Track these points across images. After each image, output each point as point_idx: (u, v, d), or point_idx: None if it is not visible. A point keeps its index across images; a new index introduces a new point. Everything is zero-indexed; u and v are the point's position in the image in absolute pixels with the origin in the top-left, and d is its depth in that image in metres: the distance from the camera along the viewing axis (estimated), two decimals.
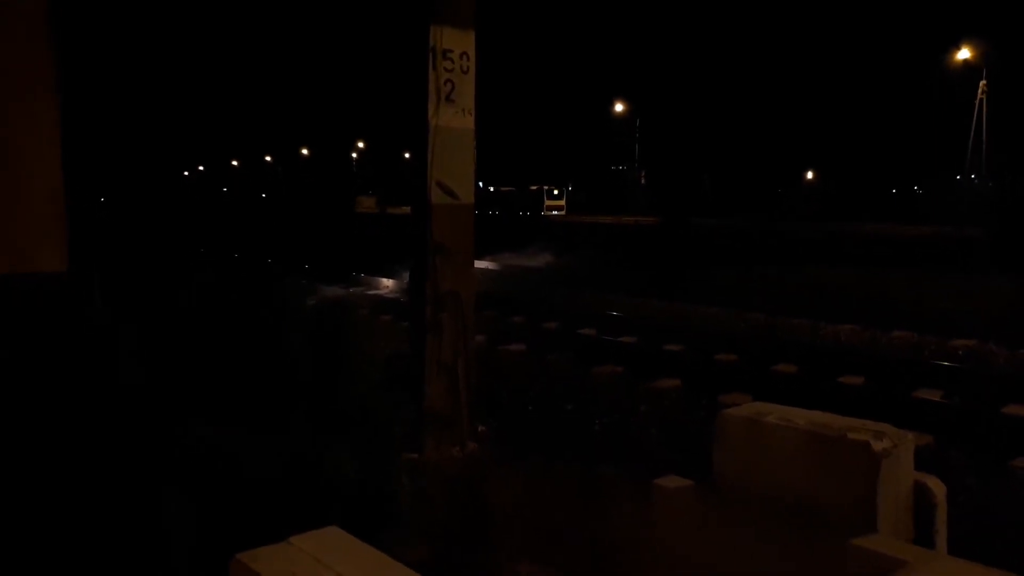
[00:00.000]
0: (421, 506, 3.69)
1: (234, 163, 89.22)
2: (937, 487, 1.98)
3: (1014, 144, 32.26)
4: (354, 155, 73.74)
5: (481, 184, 51.50)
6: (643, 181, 50.82)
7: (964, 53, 32.78)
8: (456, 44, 4.08)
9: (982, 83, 33.03)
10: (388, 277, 13.90)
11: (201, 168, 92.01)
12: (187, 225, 32.89)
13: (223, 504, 3.29)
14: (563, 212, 44.70)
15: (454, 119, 4.09)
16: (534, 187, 47.10)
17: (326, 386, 5.53)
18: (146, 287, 11.77)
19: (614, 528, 2.72)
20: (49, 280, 3.79)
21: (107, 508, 3.12)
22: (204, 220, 36.33)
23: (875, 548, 1.62)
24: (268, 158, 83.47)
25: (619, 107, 48.85)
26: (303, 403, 5.02)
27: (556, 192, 47.16)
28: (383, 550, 3.15)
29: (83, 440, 3.30)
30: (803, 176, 51.43)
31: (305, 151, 77.48)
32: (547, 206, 45.32)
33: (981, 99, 33.31)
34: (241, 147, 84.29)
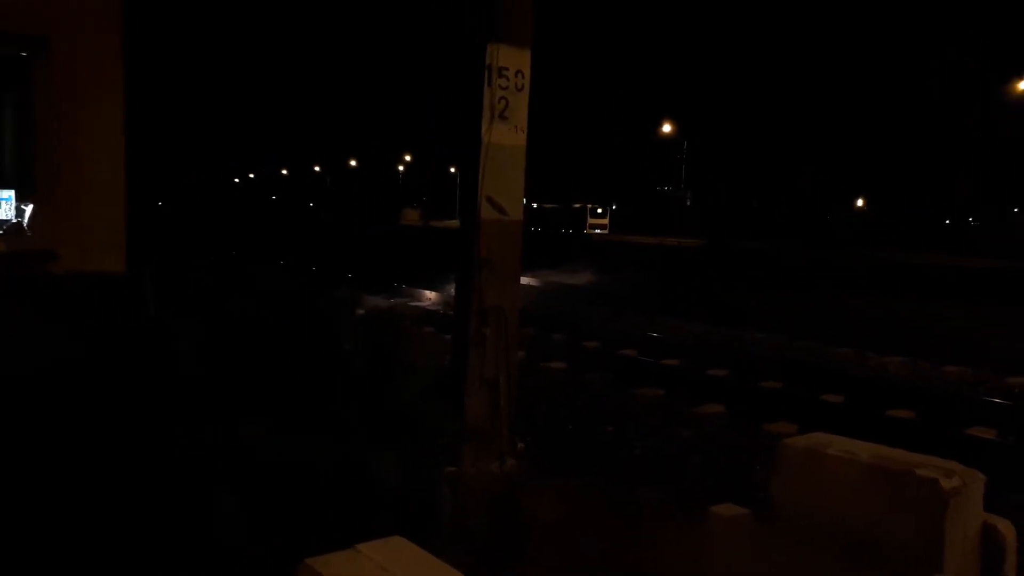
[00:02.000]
0: (459, 518, 3.68)
1: (284, 172, 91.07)
2: (1007, 530, 1.91)
3: None
4: (400, 168, 74.67)
5: (525, 200, 51.56)
6: (689, 203, 50.44)
7: None
8: (512, 62, 4.11)
9: None
10: (430, 289, 13.98)
11: (252, 176, 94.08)
12: (237, 231, 33.57)
13: (272, 505, 3.32)
14: (606, 231, 44.55)
15: (506, 136, 4.11)
16: (577, 205, 47.03)
17: (369, 396, 5.57)
18: (199, 291, 12.02)
19: (659, 552, 2.68)
20: (109, 280, 3.90)
21: (165, 506, 3.18)
22: (253, 227, 37.05)
23: None
24: (317, 168, 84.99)
25: (667, 128, 48.64)
26: (347, 411, 5.05)
27: (599, 211, 47.05)
28: None
29: (139, 437, 3.37)
30: (854, 203, 50.50)
31: (353, 162, 78.75)
32: (590, 224, 45.21)
33: None
34: (291, 156, 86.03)
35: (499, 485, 3.99)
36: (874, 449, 2.10)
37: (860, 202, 50.77)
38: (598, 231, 44.05)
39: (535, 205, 50.79)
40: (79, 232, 4.46)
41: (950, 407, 6.48)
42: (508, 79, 4.10)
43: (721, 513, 2.20)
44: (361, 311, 11.43)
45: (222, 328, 7.85)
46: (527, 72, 4.16)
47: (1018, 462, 5.09)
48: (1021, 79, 30.71)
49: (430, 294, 13.83)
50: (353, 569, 1.53)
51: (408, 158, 71.40)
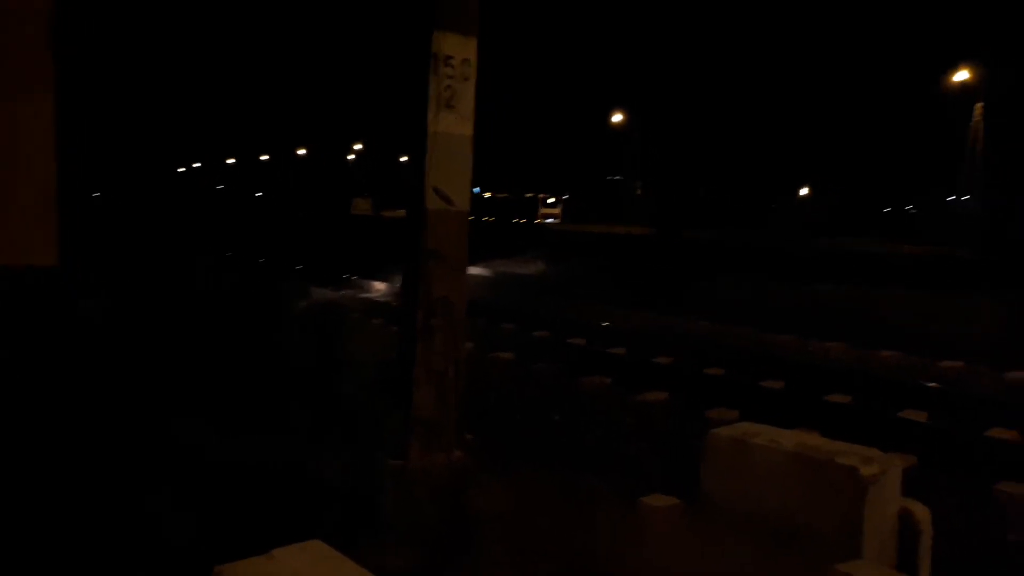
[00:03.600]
0: (406, 513, 3.68)
1: (230, 161, 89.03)
2: (922, 514, 1.99)
3: (1006, 167, 32.54)
4: (351, 157, 73.68)
5: (477, 190, 51.50)
6: (639, 192, 50.96)
7: (962, 75, 33.04)
8: (458, 51, 4.09)
9: (978, 105, 33.29)
10: (381, 280, 13.88)
11: (197, 165, 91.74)
12: (180, 221, 32.75)
13: (206, 508, 3.27)
14: (558, 220, 44.74)
15: (453, 125, 4.09)
16: (529, 194, 47.11)
17: (315, 389, 5.52)
18: (136, 283, 11.72)
19: (599, 542, 2.72)
20: (39, 274, 3.77)
21: (88, 509, 3.10)
22: (197, 217, 36.19)
23: (860, 575, 1.61)
24: (264, 157, 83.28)
25: (617, 117, 49.02)
26: (291, 406, 5.00)
27: (551, 200, 47.20)
28: (366, 556, 3.14)
29: (65, 438, 3.27)
30: (797, 192, 51.70)
31: (302, 151, 77.38)
32: (542, 214, 45.33)
33: (977, 121, 33.57)
34: (237, 145, 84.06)
35: (446, 477, 3.99)
36: (799, 438, 2.16)
37: (804, 191, 52.02)
38: (550, 220, 44.19)
39: (487, 194, 50.69)
40: (7, 225, 4.30)
41: (885, 391, 6.71)
42: (454, 68, 4.08)
43: (651, 504, 2.25)
44: (309, 303, 11.32)
45: (161, 323, 7.68)
46: (473, 61, 4.14)
47: (946, 443, 5.30)
48: (955, 71, 31.77)
49: (380, 285, 13.73)
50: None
51: (359, 147, 70.53)
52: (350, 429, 4.49)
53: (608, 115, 48.76)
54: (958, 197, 36.50)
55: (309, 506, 3.50)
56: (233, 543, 1.70)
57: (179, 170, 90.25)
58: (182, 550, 2.86)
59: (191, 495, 3.36)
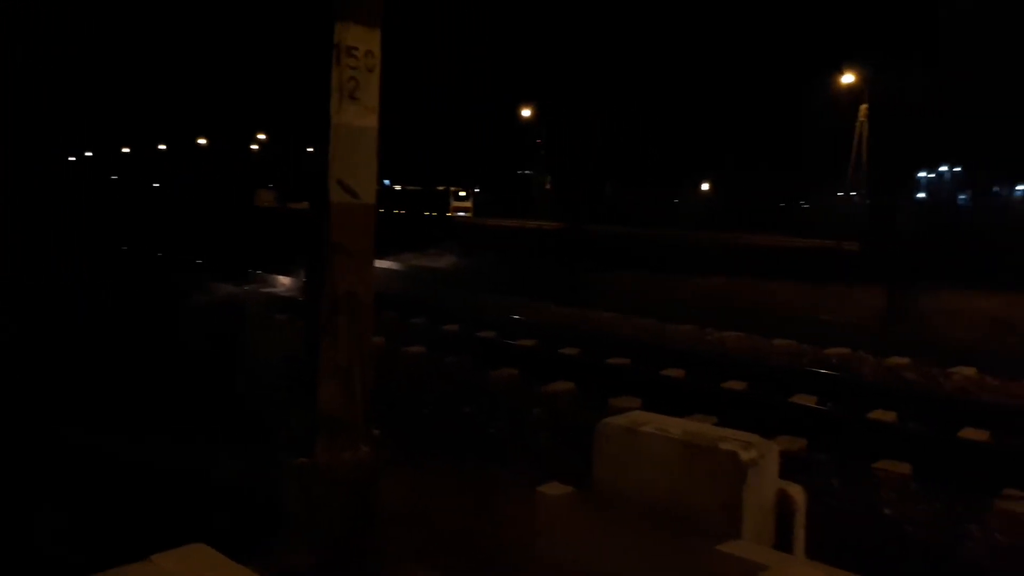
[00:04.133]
0: (311, 511, 3.64)
1: (124, 150, 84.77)
2: (798, 494, 2.13)
3: (888, 164, 34.68)
4: (254, 147, 71.39)
5: (387, 182, 50.85)
6: (549, 187, 51.54)
7: (848, 78, 34.98)
8: (361, 42, 4.05)
9: (863, 106, 35.32)
10: (285, 275, 13.55)
11: (89, 154, 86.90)
12: (72, 214, 30.95)
13: (95, 514, 3.14)
14: (470, 214, 44.72)
15: (357, 117, 4.05)
16: (441, 187, 46.90)
17: (217, 389, 5.36)
18: (25, 280, 11.03)
19: (500, 532, 2.77)
20: None
21: None
22: (89, 209, 34.28)
23: (738, 553, 1.72)
24: (162, 147, 79.72)
25: (526, 112, 49.40)
26: (192, 407, 4.84)
27: (463, 194, 47.12)
28: (271, 557, 3.09)
29: None
30: (699, 187, 53.50)
31: (202, 141, 74.44)
32: (454, 207, 45.19)
33: (862, 121, 35.61)
34: (133, 134, 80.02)
35: (353, 474, 3.97)
36: (686, 425, 2.28)
37: (706, 186, 53.89)
38: (462, 214, 44.13)
39: (397, 187, 50.13)
40: None
41: (778, 377, 7.07)
42: (358, 59, 4.03)
43: (546, 492, 2.31)
44: (211, 299, 10.94)
45: (47, 322, 7.27)
46: (377, 52, 4.10)
47: (831, 426, 5.64)
48: (842, 74, 33.58)
49: (285, 280, 13.40)
50: None
51: (262, 137, 68.43)
52: (254, 428, 4.39)
53: (518, 109, 49.10)
54: (847, 193, 38.66)
55: (209, 509, 3.42)
56: (122, 551, 1.65)
57: (69, 159, 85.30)
58: (59, 560, 2.74)
59: (78, 502, 3.21)
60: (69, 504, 3.16)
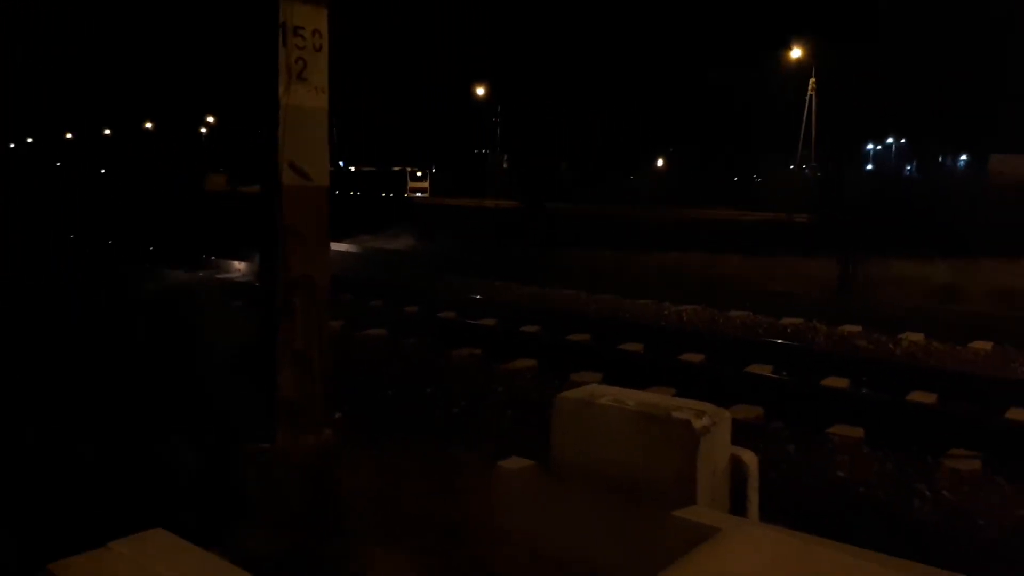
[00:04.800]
0: (273, 497, 3.62)
1: (68, 136, 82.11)
2: (750, 460, 2.19)
3: (835, 137, 35.39)
4: (203, 130, 69.74)
5: (342, 164, 50.17)
6: (505, 165, 51.41)
7: (796, 52, 35.49)
8: (308, 21, 3.98)
9: (812, 80, 35.90)
10: (240, 260, 13.32)
11: (30, 140, 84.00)
12: (13, 201, 29.93)
13: (50, 509, 3.07)
14: (427, 194, 44.41)
15: (306, 98, 3.99)
16: (397, 168, 46.45)
17: (172, 378, 5.27)
18: None
19: (462, 509, 2.80)
20: None
21: None
22: (35, 197, 33.19)
23: (692, 518, 1.76)
24: (107, 131, 77.40)
25: (481, 91, 49.11)
26: (146, 396, 4.75)
27: (420, 174, 46.76)
28: (233, 544, 3.07)
29: None
30: (654, 164, 53.88)
31: (149, 125, 72.47)
32: (411, 188, 44.84)
33: (811, 95, 36.22)
34: (76, 119, 77.54)
35: (315, 458, 3.95)
36: (641, 396, 2.31)
37: (660, 163, 54.30)
38: (419, 194, 43.81)
39: (352, 168, 49.54)
40: None
41: (734, 349, 7.20)
42: (305, 39, 3.96)
43: (505, 466, 2.34)
44: (162, 287, 10.71)
45: None
46: (325, 31, 4.03)
47: (786, 394, 5.78)
48: (791, 48, 34.02)
49: (239, 265, 13.18)
50: (102, 570, 1.45)
51: (211, 120, 66.87)
52: (212, 415, 4.33)
53: (472, 88, 48.77)
54: (798, 167, 39.34)
55: (168, 497, 3.37)
56: (79, 542, 1.62)
57: (9, 146, 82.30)
58: (15, 549, 2.69)
59: (32, 493, 3.15)
60: (17, 497, 3.09)
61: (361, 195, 39.48)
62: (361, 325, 8.12)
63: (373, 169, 47.71)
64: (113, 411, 4.41)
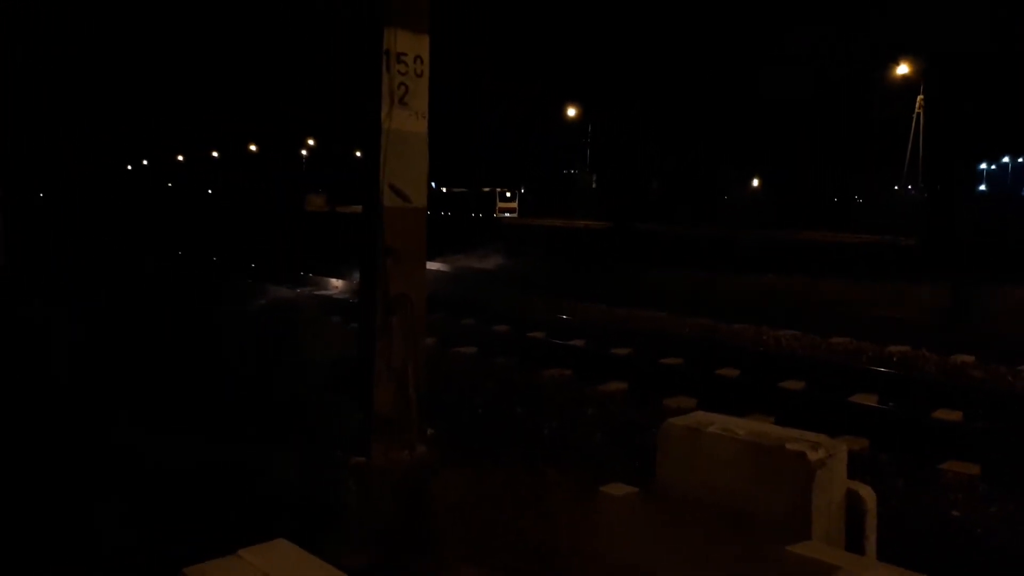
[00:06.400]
0: (368, 511, 3.68)
1: (179, 158, 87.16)
2: (868, 495, 2.07)
3: (945, 157, 33.61)
4: (304, 152, 72.69)
5: (433, 184, 51.22)
6: (595, 185, 51.32)
7: (903, 68, 34.04)
8: (410, 47, 4.09)
9: (919, 98, 34.33)
10: (337, 277, 13.75)
11: (145, 163, 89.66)
12: (131, 220, 31.98)
13: (162, 514, 3.22)
14: (515, 214, 44.79)
15: (407, 122, 4.09)
16: (486, 188, 47.08)
17: (272, 390, 5.46)
18: (87, 285, 11.42)
19: (558, 533, 2.76)
20: None
21: (39, 516, 3.03)
22: (149, 216, 35.37)
23: (809, 554, 1.68)
24: (214, 154, 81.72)
25: (572, 111, 49.27)
26: (248, 407, 4.94)
27: (508, 194, 47.24)
28: (329, 557, 3.13)
29: (17, 442, 3.20)
30: (748, 184, 52.57)
31: (253, 147, 76.09)
32: (500, 208, 45.33)
33: (918, 113, 34.62)
34: (186, 142, 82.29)
35: (409, 474, 4.00)
36: (751, 426, 2.23)
37: (756, 183, 52.94)
38: (508, 215, 44.24)
39: (444, 189, 50.51)
40: None
41: (837, 376, 6.89)
42: (407, 65, 4.07)
43: (610, 493, 2.30)
44: (264, 302, 11.16)
45: (111, 325, 7.50)
46: (426, 57, 4.14)
47: (894, 426, 5.48)
48: (897, 65, 32.68)
49: (336, 282, 13.60)
50: None
51: (311, 142, 69.67)
52: (310, 428, 4.46)
53: (563, 109, 48.99)
54: (903, 187, 37.60)
55: (268, 506, 3.48)
56: (195, 545, 1.69)
57: (127, 168, 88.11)
58: (142, 554, 2.82)
59: (144, 502, 3.31)
60: (135, 506, 3.25)
61: (452, 216, 40.18)
62: (453, 343, 8.22)
63: (463, 190, 48.51)
64: (222, 419, 4.60)
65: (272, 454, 4.14)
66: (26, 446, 3.52)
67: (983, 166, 51.07)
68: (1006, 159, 52.85)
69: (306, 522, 3.38)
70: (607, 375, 6.88)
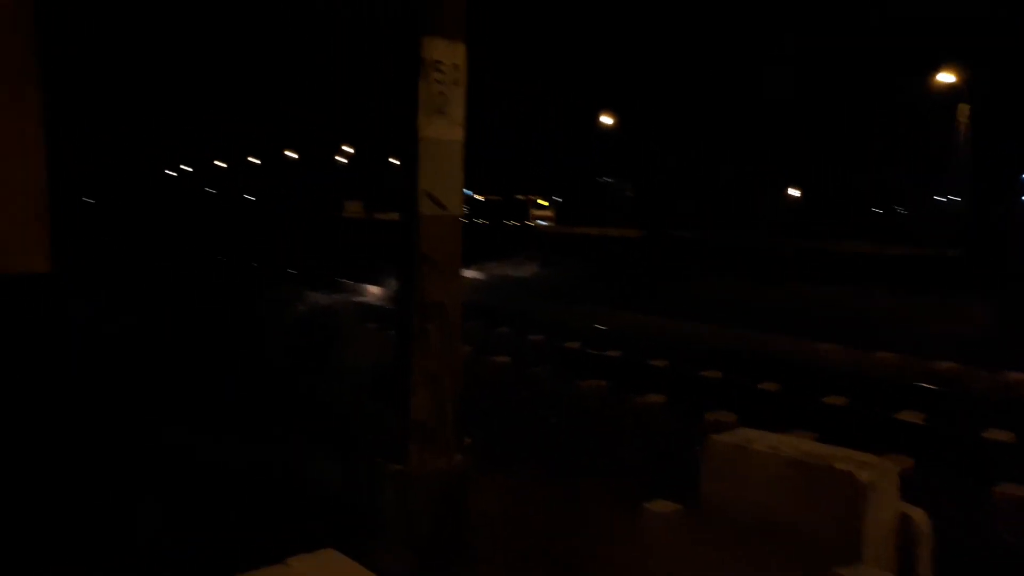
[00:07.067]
0: (405, 518, 3.67)
1: (219, 164, 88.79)
2: (922, 520, 1.99)
3: (992, 166, 32.76)
4: (342, 160, 73.52)
5: (469, 192, 51.45)
6: (630, 193, 51.05)
7: (947, 76, 33.28)
8: (447, 56, 4.07)
9: (963, 106, 33.54)
10: (374, 284, 13.84)
11: (186, 168, 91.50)
12: (171, 226, 32.63)
13: (206, 514, 3.24)
14: (550, 222, 44.77)
15: (444, 131, 4.07)
16: (521, 196, 47.12)
17: (310, 395, 5.49)
18: (130, 289, 11.65)
19: (597, 547, 2.71)
20: (33, 281, 3.75)
21: (88, 519, 3.07)
22: (188, 221, 36.06)
23: None
24: (255, 160, 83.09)
25: (606, 119, 49.13)
26: (286, 412, 4.97)
27: (543, 202, 47.24)
28: (366, 562, 3.12)
29: (58, 443, 3.25)
30: (785, 192, 51.83)
31: (291, 153, 77.20)
32: (534, 215, 45.33)
33: (962, 122, 33.82)
34: (226, 148, 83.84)
35: (446, 482, 3.98)
36: (797, 443, 2.17)
37: (796, 193, 52.14)
38: (542, 222, 44.22)
39: (479, 197, 50.68)
40: (1, 232, 4.26)
41: (881, 392, 6.72)
42: (444, 73, 4.06)
43: (654, 510, 2.24)
44: (302, 309, 11.28)
45: (152, 329, 7.63)
46: (463, 66, 4.13)
47: (942, 445, 5.31)
48: (940, 72, 31.95)
49: (373, 289, 13.69)
50: None
51: (349, 149, 70.44)
52: (347, 434, 4.47)
53: (597, 117, 48.85)
54: (947, 197, 36.75)
55: (306, 511, 3.49)
56: (236, 548, 1.68)
57: (169, 173, 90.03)
58: (187, 558, 2.84)
59: (188, 506, 3.33)
60: (178, 510, 3.27)
61: (487, 223, 40.27)
62: (489, 351, 8.20)
63: (498, 198, 48.61)
64: (264, 422, 4.63)
65: (311, 458, 4.16)
66: (92, 448, 3.58)
67: None
68: None
69: (343, 526, 3.37)
70: (645, 386, 6.79)
